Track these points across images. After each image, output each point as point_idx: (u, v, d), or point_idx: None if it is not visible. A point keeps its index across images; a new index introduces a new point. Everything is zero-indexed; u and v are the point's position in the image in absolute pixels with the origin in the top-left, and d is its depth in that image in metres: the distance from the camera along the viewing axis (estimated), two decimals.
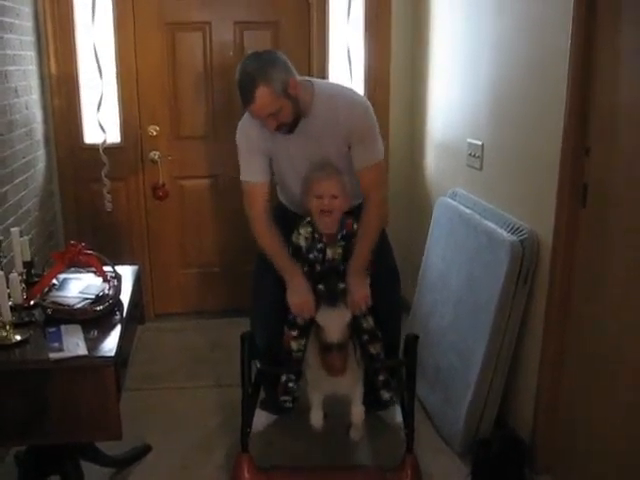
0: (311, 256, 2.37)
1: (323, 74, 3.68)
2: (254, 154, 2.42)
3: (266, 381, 2.65)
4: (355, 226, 2.41)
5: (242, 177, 2.47)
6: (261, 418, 2.74)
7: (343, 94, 2.41)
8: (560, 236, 2.30)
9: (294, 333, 2.42)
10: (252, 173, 2.43)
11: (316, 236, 2.36)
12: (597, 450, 2.21)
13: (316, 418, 2.41)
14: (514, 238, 2.45)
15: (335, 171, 2.35)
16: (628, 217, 2.01)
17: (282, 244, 2.39)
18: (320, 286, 2.35)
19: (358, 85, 3.68)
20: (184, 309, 4.04)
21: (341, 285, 2.35)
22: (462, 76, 3.12)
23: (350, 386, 2.37)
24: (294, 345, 2.42)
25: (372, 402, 2.72)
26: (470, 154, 2.98)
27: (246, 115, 2.42)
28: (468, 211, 2.88)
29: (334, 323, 2.24)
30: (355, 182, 2.44)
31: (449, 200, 3.12)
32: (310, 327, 2.39)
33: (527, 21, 2.47)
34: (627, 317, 2.02)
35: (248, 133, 2.42)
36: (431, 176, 3.61)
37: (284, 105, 2.23)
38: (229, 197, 3.90)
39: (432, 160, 3.59)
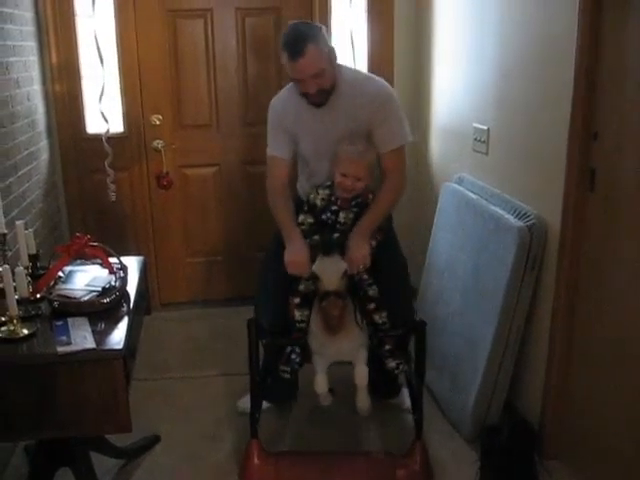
0: (324, 217, 2.40)
1: None
2: (278, 130, 2.49)
3: (266, 368, 2.65)
4: (371, 196, 2.43)
5: (267, 150, 2.54)
6: None
7: (368, 79, 2.49)
8: (568, 221, 2.29)
9: (296, 300, 2.43)
10: (274, 147, 2.51)
11: (332, 199, 2.39)
12: (606, 436, 2.21)
13: (320, 383, 2.41)
14: (521, 223, 2.44)
15: (364, 150, 2.35)
16: (636, 202, 1.99)
17: (291, 212, 2.46)
18: (315, 237, 2.39)
19: (361, 70, 3.65)
20: (190, 298, 4.04)
21: (335, 235, 2.38)
22: (467, 60, 3.09)
23: (353, 349, 2.40)
24: (297, 314, 2.43)
25: (382, 390, 2.73)
26: (476, 139, 2.96)
27: (278, 95, 2.53)
28: (474, 196, 2.86)
29: (329, 271, 2.29)
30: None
31: (455, 185, 3.10)
32: (312, 297, 2.41)
33: (533, 3, 2.44)
34: (636, 302, 2.01)
35: (276, 109, 2.50)
36: (436, 161, 3.59)
37: (327, 69, 2.30)
38: (233, 185, 3.90)
39: (437, 145, 3.57)
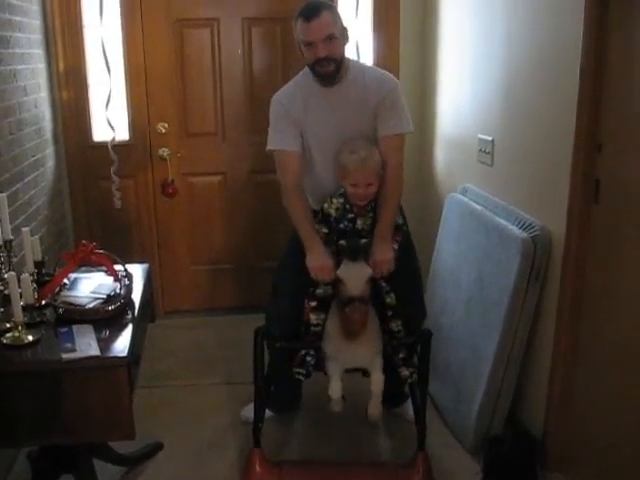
0: (341, 226, 2.39)
1: None
2: (285, 122, 2.44)
3: (270, 376, 2.66)
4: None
5: (273, 146, 2.47)
6: None
7: (374, 70, 2.56)
8: (572, 232, 2.29)
9: (313, 304, 2.42)
10: (282, 141, 2.44)
11: (347, 207, 2.38)
12: (609, 448, 2.20)
13: (335, 388, 2.39)
14: (526, 235, 2.44)
15: (367, 155, 2.34)
16: None
17: (309, 215, 2.44)
18: (342, 242, 2.37)
19: None
20: (194, 306, 4.04)
21: (362, 241, 2.37)
22: (472, 71, 3.10)
23: (369, 356, 2.38)
24: (313, 317, 2.42)
25: (388, 398, 2.72)
26: (481, 150, 2.97)
27: (282, 89, 2.51)
28: (479, 207, 2.87)
29: (355, 276, 2.29)
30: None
31: (459, 196, 3.11)
32: (329, 301, 2.41)
33: (539, 15, 2.45)
34: None
35: (281, 101, 2.47)
36: (441, 172, 3.60)
37: (339, 39, 2.33)
38: (238, 194, 3.91)
39: (442, 156, 3.58)
